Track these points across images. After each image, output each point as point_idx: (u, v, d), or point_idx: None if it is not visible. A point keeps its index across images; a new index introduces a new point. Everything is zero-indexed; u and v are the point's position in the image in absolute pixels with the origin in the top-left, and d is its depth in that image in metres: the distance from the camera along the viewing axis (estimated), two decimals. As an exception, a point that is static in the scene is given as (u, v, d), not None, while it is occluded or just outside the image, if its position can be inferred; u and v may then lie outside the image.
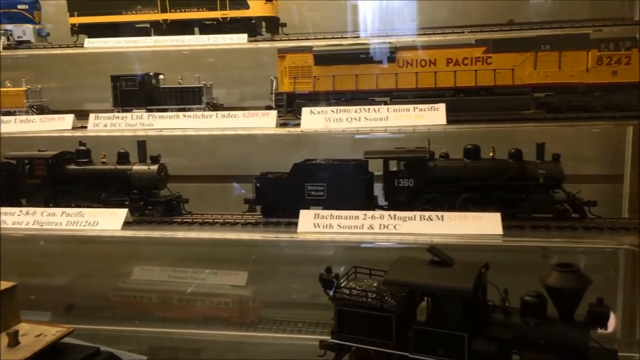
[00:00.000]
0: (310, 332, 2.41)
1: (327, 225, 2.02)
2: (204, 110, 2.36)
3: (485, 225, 1.93)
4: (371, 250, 2.21)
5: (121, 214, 2.12)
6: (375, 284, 1.72)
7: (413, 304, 1.64)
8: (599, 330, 1.44)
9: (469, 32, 2.28)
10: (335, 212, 2.03)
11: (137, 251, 3.01)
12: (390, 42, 2.28)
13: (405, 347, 1.59)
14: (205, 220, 2.19)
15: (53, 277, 2.98)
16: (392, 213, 2.00)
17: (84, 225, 2.11)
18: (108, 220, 2.11)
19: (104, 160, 2.32)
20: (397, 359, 1.61)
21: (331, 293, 1.70)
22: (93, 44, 2.54)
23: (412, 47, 2.28)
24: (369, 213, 2.01)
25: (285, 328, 2.52)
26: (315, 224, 2.03)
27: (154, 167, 2.23)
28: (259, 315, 2.70)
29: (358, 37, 2.39)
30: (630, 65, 2.11)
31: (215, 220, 2.19)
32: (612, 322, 2.26)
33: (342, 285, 1.72)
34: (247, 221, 2.16)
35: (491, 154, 2.09)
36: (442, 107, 2.13)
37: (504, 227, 1.92)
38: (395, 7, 2.52)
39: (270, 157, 2.51)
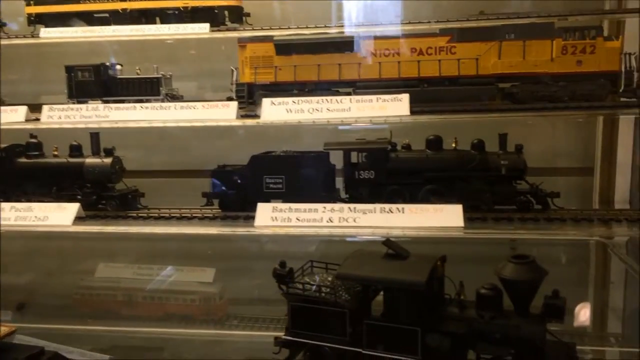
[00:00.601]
0: (273, 329, 2.35)
1: (285, 218, 1.97)
2: (162, 101, 2.29)
3: (446, 217, 1.88)
4: (337, 243, 2.16)
5: (72, 208, 2.04)
6: (330, 279, 1.67)
7: (367, 299, 1.58)
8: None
9: (434, 22, 2.24)
10: (294, 205, 1.98)
11: (99, 247, 2.93)
12: (353, 32, 2.23)
13: (359, 343, 1.54)
14: (161, 215, 2.12)
15: (11, 275, 2.89)
16: (351, 206, 1.95)
17: (33, 221, 2.03)
18: (58, 215, 2.03)
19: (55, 153, 2.24)
20: (351, 355, 1.56)
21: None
22: (49, 34, 2.46)
23: (376, 37, 2.23)
24: (328, 206, 1.96)
25: (253, 325, 2.46)
26: (273, 218, 1.97)
27: (108, 160, 2.16)
28: (227, 312, 2.65)
29: (321, 27, 2.34)
30: (595, 55, 2.08)
31: (172, 215, 2.12)
32: (585, 316, 2.24)
33: (297, 280, 1.66)
34: (205, 215, 2.10)
35: (453, 145, 2.04)
36: (405, 97, 2.08)
37: (466, 219, 1.88)
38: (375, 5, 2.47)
39: (235, 150, 2.45)
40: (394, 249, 1.57)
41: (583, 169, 2.78)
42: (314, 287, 1.60)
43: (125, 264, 2.90)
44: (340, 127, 2.20)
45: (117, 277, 2.83)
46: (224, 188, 2.10)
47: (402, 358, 1.48)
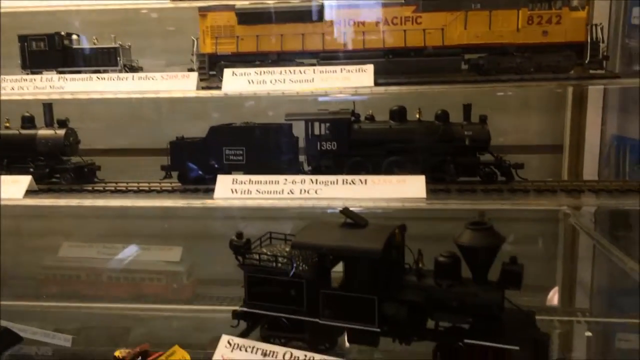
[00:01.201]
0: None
1: (245, 190, 1.91)
2: (120, 72, 2.21)
3: (409, 188, 1.84)
4: (305, 216, 2.10)
5: (24, 181, 1.96)
6: (288, 249, 1.63)
7: (325, 269, 1.54)
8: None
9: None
10: (254, 177, 1.92)
11: (59, 226, 2.86)
12: (317, 2, 2.17)
13: (316, 314, 1.50)
14: (118, 189, 2.05)
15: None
16: (313, 177, 1.90)
17: (-18, 194, 1.94)
18: (9, 188, 1.95)
19: (7, 125, 2.15)
20: (309, 326, 1.52)
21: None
22: (7, 4, 2.35)
23: (340, 7, 2.17)
24: (290, 178, 1.91)
25: (222, 302, 2.41)
26: (233, 190, 1.91)
27: (61, 132, 2.07)
28: (195, 292, 2.60)
29: (285, -5, 2.27)
30: (561, 25, 2.05)
31: (129, 189, 2.05)
32: (553, 294, 2.23)
33: (254, 251, 1.62)
34: (163, 189, 2.03)
35: (417, 116, 2.00)
36: (370, 68, 2.03)
37: (430, 190, 1.84)
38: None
39: (199, 125, 2.38)
40: (352, 217, 1.54)
41: (552, 147, 2.77)
42: (270, 258, 1.56)
43: (89, 243, 2.82)
44: (304, 99, 2.15)
45: (81, 257, 2.75)
46: (182, 160, 2.04)
47: (360, 327, 1.45)
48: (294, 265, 1.52)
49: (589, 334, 1.55)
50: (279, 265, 1.54)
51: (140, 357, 1.45)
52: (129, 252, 2.81)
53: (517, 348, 1.32)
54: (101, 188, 2.05)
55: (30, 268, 2.69)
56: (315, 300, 1.51)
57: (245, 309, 1.58)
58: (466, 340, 1.37)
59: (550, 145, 2.78)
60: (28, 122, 2.13)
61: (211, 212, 2.72)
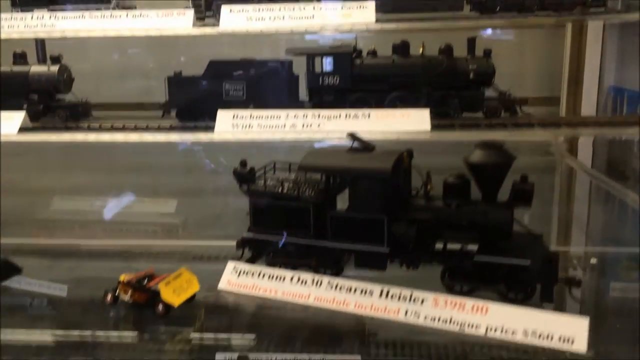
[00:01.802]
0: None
1: (246, 125, 1.87)
2: (113, 9, 2.14)
3: (413, 121, 1.81)
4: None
5: (17, 117, 1.90)
6: (293, 177, 1.60)
7: (332, 194, 1.52)
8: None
9: None
10: (255, 112, 1.88)
11: (54, 175, 2.81)
12: None
13: (323, 238, 1.48)
14: (114, 127, 2.00)
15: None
16: (315, 112, 1.86)
17: (-26, 130, 1.88)
18: (3, 124, 1.89)
19: (-2, 62, 2.08)
20: (316, 251, 1.51)
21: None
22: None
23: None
24: (292, 112, 1.87)
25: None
26: (234, 125, 1.87)
27: (55, 68, 2.01)
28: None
29: None
30: (565, -39, 2.02)
31: (126, 126, 2.00)
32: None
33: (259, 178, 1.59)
34: (161, 127, 1.99)
35: (421, 50, 1.97)
36: (370, 4, 1.98)
37: (434, 126, 1.82)
38: None
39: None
40: (360, 141, 1.51)
41: (549, 99, 2.76)
42: (276, 183, 1.54)
43: (83, 195, 2.77)
44: (306, 37, 2.11)
45: (75, 209, 2.71)
46: (181, 97, 1.99)
47: (369, 248, 1.44)
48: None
49: (594, 260, 1.55)
50: (285, 190, 1.52)
51: (145, 279, 1.43)
52: (122, 204, 2.76)
53: (528, 263, 1.32)
54: (97, 126, 2.00)
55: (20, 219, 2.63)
56: (322, 225, 1.49)
57: (250, 236, 1.56)
58: (477, 258, 1.36)
59: (547, 97, 2.77)
60: (20, 58, 2.06)
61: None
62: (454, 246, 1.43)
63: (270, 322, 1.44)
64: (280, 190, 1.52)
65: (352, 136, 1.51)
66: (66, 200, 2.76)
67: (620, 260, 1.69)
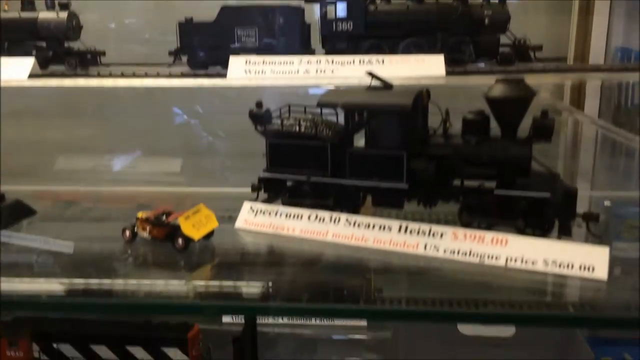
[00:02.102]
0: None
1: (259, 71, 1.86)
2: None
3: (428, 66, 1.80)
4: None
5: (27, 62, 1.88)
6: (309, 117, 1.60)
7: (350, 133, 1.52)
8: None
9: None
10: (267, 58, 1.86)
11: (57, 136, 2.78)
12: None
13: (341, 175, 1.49)
14: (124, 74, 1.98)
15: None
16: (329, 57, 1.84)
17: (-15, 76, 1.86)
18: (13, 70, 1.87)
19: (6, 8, 2.05)
20: (333, 190, 1.51)
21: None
22: None
23: None
24: (305, 58, 1.85)
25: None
26: (246, 71, 1.86)
27: (64, 15, 1.98)
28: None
29: None
30: None
31: (137, 74, 1.98)
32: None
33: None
34: (172, 74, 1.97)
35: (435, -4, 1.95)
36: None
37: (448, 72, 1.81)
38: None
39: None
40: (378, 78, 1.51)
41: (556, 60, 2.74)
42: (293, 122, 1.53)
43: (87, 155, 2.75)
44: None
45: (77, 169, 2.69)
46: (192, 43, 1.97)
47: (388, 185, 1.44)
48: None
49: (608, 203, 1.55)
50: (303, 129, 1.51)
51: (164, 216, 1.43)
52: (127, 162, 2.75)
53: (548, 195, 1.32)
54: (107, 73, 1.98)
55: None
56: (340, 164, 1.49)
57: (267, 175, 1.56)
58: (496, 191, 1.37)
59: (553, 58, 2.76)
60: (28, 4, 2.03)
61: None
62: (472, 183, 1.43)
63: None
64: (297, 129, 1.52)
65: (371, 74, 1.50)
66: (65, 159, 2.75)
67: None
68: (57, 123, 2.74)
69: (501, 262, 1.28)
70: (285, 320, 2.57)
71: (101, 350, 2.43)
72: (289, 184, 1.58)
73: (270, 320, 2.56)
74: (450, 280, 1.27)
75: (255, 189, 1.61)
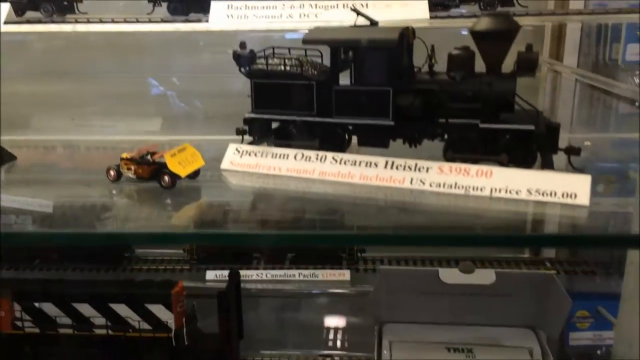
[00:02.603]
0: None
1: (241, 16, 1.83)
2: None
3: (412, 10, 1.81)
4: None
5: (3, 8, 1.83)
6: (294, 57, 1.58)
7: (335, 72, 1.51)
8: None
9: None
10: (250, 3, 1.84)
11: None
12: None
13: (327, 114, 1.48)
14: (103, 20, 1.93)
15: None
16: (312, 2, 1.83)
17: (-44, 20, 1.80)
18: (-14, 15, 1.81)
19: (-23, -47, 1.97)
20: (319, 131, 1.51)
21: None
22: None
23: None
24: (288, 2, 1.83)
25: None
26: (228, 15, 1.83)
27: (39, -42, 1.93)
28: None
29: None
30: None
31: (115, 21, 1.94)
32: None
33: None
34: (152, 20, 1.93)
35: (418, -59, 1.93)
36: None
37: (432, 17, 1.81)
38: None
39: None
40: (363, 15, 1.50)
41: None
42: (279, 62, 1.52)
43: (64, 117, 2.70)
44: None
45: (54, 128, 2.64)
46: (171, -11, 1.93)
47: (374, 122, 1.44)
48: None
49: (588, 143, 1.58)
50: (288, 68, 1.50)
51: (149, 155, 1.41)
52: (106, 124, 2.70)
53: (532, 127, 1.34)
54: (85, 20, 1.93)
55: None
56: (326, 103, 1.48)
57: (253, 115, 1.55)
58: (482, 125, 1.38)
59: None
60: (0, -52, 1.96)
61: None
62: (457, 120, 1.44)
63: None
64: (282, 68, 1.51)
65: (356, 11, 1.49)
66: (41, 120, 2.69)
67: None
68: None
69: (486, 193, 1.30)
70: (269, 277, 2.58)
71: (84, 308, 2.42)
72: (274, 126, 1.58)
73: (254, 276, 2.58)
74: (436, 209, 1.28)
75: (239, 132, 1.60)
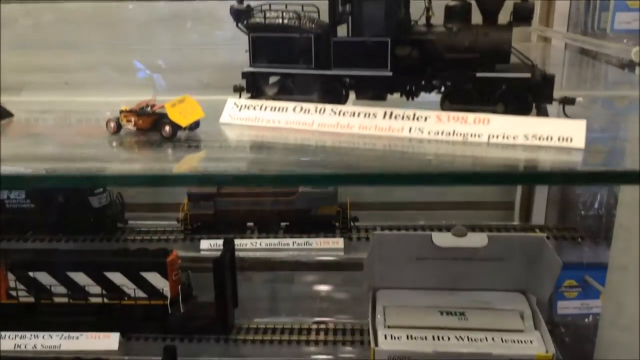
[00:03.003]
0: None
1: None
2: None
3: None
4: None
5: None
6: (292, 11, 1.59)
7: (333, 25, 1.52)
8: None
9: None
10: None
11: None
12: None
13: (326, 66, 1.50)
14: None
15: None
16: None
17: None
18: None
19: None
20: (317, 85, 1.52)
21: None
22: None
23: None
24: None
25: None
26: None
27: None
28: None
29: None
30: None
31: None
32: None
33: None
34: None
35: None
36: None
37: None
38: None
39: None
40: (361, -32, 1.50)
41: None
42: (277, 15, 1.53)
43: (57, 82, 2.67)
44: None
45: (48, 91, 2.61)
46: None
47: (372, 73, 1.46)
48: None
49: (580, 99, 1.61)
50: (286, 21, 1.51)
51: (148, 107, 1.42)
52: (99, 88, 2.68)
53: (528, 75, 1.37)
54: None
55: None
56: (324, 55, 1.50)
57: (251, 69, 1.56)
58: (479, 74, 1.40)
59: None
60: None
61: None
62: (454, 71, 1.46)
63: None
64: (280, 22, 1.51)
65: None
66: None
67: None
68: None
69: (484, 140, 1.32)
70: (263, 245, 2.60)
71: (79, 277, 2.43)
72: (271, 81, 1.59)
73: (248, 245, 2.59)
74: (434, 153, 1.31)
75: (237, 89, 1.61)
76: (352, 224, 2.64)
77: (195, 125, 1.44)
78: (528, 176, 1.16)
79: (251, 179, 1.18)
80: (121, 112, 1.43)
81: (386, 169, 1.19)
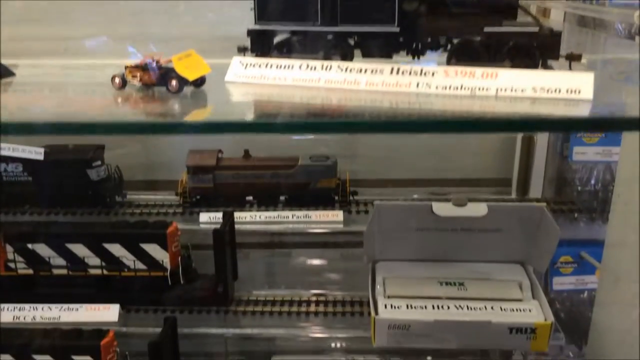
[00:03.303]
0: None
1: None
2: None
3: None
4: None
5: None
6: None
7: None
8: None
9: None
10: None
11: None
12: None
13: (332, 23, 1.49)
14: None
15: None
16: None
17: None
18: None
19: None
20: (324, 43, 1.52)
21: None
22: None
23: None
24: None
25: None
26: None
27: None
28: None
29: None
30: None
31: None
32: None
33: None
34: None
35: None
36: None
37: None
38: None
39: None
40: None
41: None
42: (282, -28, 1.52)
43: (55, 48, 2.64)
44: None
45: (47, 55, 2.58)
46: None
47: (379, 29, 1.46)
48: None
49: (584, 61, 1.62)
50: (292, -22, 1.50)
51: (154, 62, 1.40)
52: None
53: (536, 29, 1.37)
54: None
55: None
56: (331, 11, 1.49)
57: (257, 27, 1.55)
58: (486, 28, 1.40)
59: None
60: None
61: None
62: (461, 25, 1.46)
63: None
64: (286, -23, 1.50)
65: None
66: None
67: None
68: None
69: (492, 93, 1.32)
70: (262, 218, 2.60)
71: (78, 248, 2.41)
72: (276, 40, 1.58)
73: (247, 218, 2.59)
74: (442, 105, 1.31)
75: (241, 50, 1.60)
76: (351, 197, 2.64)
77: (201, 81, 1.43)
78: (536, 122, 1.16)
79: (260, 127, 1.17)
80: (126, 67, 1.42)
81: (395, 117, 1.18)
